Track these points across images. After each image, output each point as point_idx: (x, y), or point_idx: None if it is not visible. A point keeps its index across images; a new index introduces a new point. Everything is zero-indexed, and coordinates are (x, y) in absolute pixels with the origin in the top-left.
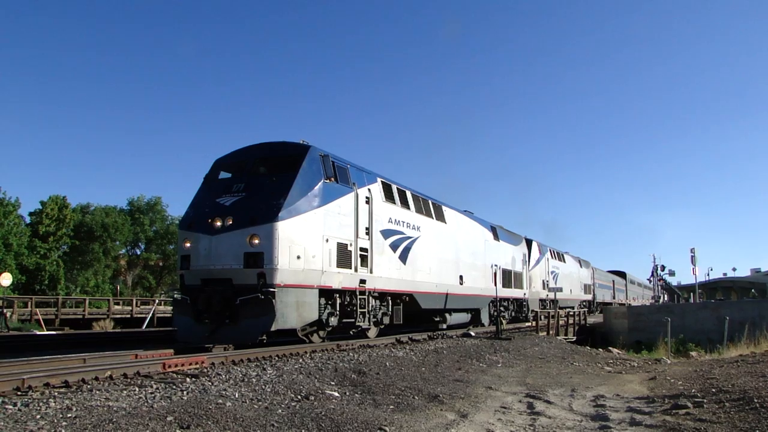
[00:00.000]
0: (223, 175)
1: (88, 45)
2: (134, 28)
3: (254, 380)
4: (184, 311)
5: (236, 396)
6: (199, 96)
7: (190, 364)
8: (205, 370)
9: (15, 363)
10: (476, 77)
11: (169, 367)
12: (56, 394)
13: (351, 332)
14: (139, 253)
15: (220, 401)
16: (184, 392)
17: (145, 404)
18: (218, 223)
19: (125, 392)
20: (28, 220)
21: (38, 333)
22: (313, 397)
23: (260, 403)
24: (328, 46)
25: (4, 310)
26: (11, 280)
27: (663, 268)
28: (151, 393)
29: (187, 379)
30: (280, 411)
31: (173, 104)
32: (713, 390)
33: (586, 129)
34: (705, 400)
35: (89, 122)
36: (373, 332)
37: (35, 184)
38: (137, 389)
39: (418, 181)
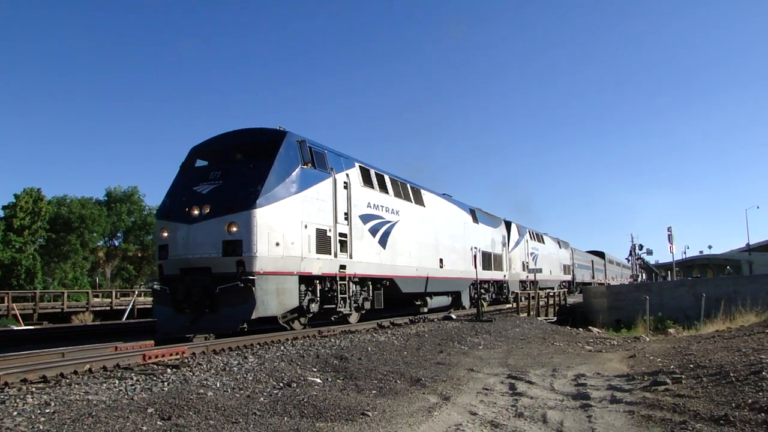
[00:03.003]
0: (200, 162)
1: (61, 33)
2: (107, 14)
3: (236, 369)
4: (164, 301)
5: (218, 385)
6: (173, 83)
7: (171, 355)
8: (186, 361)
9: None
10: (452, 61)
11: (150, 358)
12: (34, 389)
13: (332, 318)
14: (117, 244)
15: (201, 391)
16: (165, 383)
17: (126, 397)
18: (195, 212)
19: (105, 385)
20: (1, 213)
21: (15, 328)
22: (295, 384)
23: (242, 391)
24: (307, 31)
25: None
26: None
27: (641, 247)
28: (132, 385)
29: (168, 370)
30: (262, 399)
31: (147, 92)
32: (691, 366)
33: (563, 110)
34: (683, 376)
35: (64, 113)
36: (354, 318)
37: (8, 178)
38: (117, 382)
39: (396, 166)
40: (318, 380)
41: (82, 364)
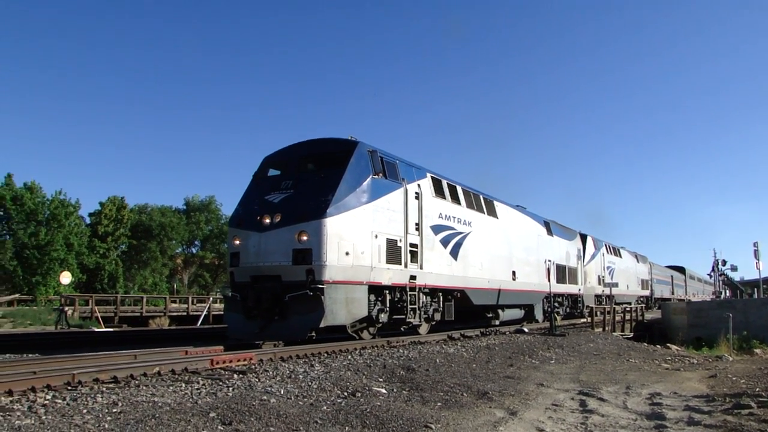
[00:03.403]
0: (272, 172)
1: (139, 42)
2: (189, 24)
3: (301, 377)
4: (235, 308)
5: (281, 392)
6: (251, 94)
7: (238, 361)
8: (253, 367)
9: (68, 359)
10: (530, 72)
11: (217, 363)
12: (104, 389)
13: (402, 329)
14: (194, 251)
15: (265, 398)
16: (230, 388)
17: (190, 400)
18: (267, 220)
19: (171, 388)
20: (88, 220)
21: (96, 330)
22: (359, 394)
23: (305, 399)
24: (374, 44)
25: (65, 308)
26: (71, 278)
27: (724, 262)
28: (197, 389)
29: (234, 376)
30: (325, 407)
31: (227, 102)
32: None
33: (644, 122)
34: None
35: (147, 123)
36: (424, 329)
37: (95, 186)
38: (184, 385)
39: (469, 178)
40: (383, 390)
41: (151, 366)
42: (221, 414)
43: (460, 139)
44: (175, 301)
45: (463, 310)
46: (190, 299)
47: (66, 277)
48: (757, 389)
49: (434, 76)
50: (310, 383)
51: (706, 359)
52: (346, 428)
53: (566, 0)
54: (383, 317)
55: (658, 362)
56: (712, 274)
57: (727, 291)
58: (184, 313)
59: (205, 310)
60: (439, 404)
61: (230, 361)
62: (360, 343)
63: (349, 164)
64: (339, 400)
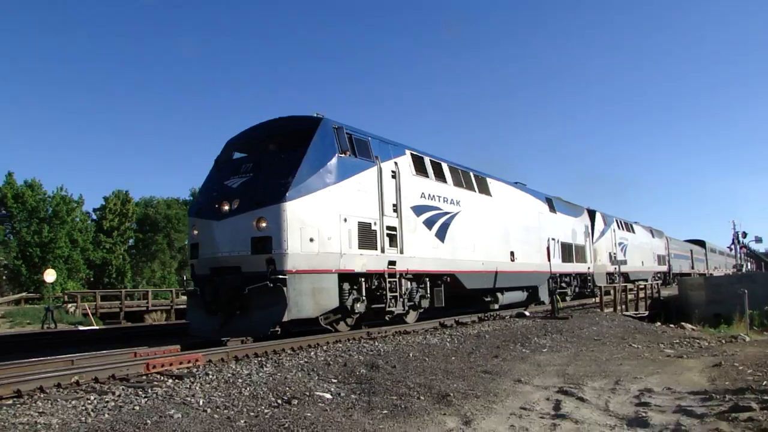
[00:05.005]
0: (237, 155)
1: (142, 31)
2: (191, 12)
3: (240, 381)
4: (196, 303)
5: (200, 404)
6: (253, 81)
7: (180, 363)
8: (195, 371)
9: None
10: (533, 46)
11: (153, 367)
12: None
13: (386, 318)
14: None
15: (172, 412)
16: (147, 399)
17: (81, 419)
18: (225, 207)
19: (73, 403)
20: (94, 216)
21: (81, 328)
22: (296, 401)
23: (225, 411)
24: (373, 21)
25: (51, 308)
26: (55, 276)
27: (745, 234)
28: (104, 403)
29: (168, 382)
30: (242, 422)
31: (224, 89)
32: None
33: (655, 92)
34: None
35: (150, 115)
36: (411, 317)
37: (98, 181)
38: (92, 398)
39: (470, 159)
40: (328, 395)
41: (69, 375)
42: None
43: (460, 119)
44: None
45: (459, 295)
46: None
47: (50, 275)
48: (765, 383)
49: (430, 59)
50: (243, 389)
51: (718, 341)
52: None
53: None
54: (359, 307)
55: (662, 346)
56: (733, 246)
57: (750, 263)
58: None
59: None
60: (384, 412)
61: (170, 365)
62: (335, 336)
63: (311, 143)
64: (266, 411)
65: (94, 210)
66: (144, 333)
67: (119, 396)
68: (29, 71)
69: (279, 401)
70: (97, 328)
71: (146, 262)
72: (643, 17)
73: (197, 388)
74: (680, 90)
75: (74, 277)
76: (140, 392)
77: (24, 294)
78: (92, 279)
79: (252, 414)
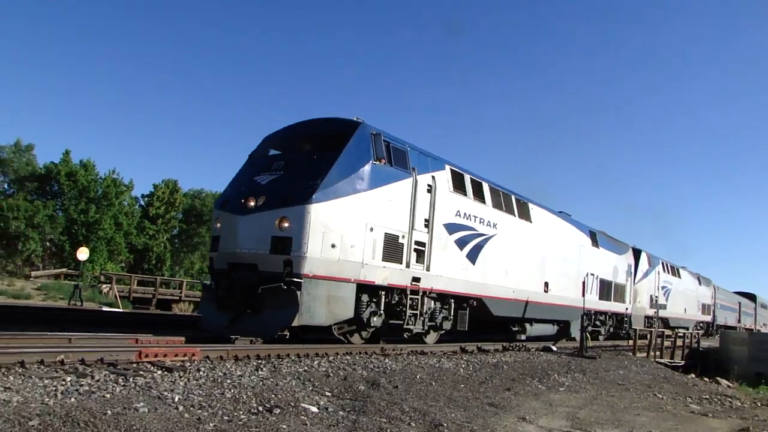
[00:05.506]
0: (273, 152)
1: (201, 19)
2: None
3: (229, 381)
4: (209, 297)
5: (175, 400)
6: (302, 80)
7: (175, 356)
8: (187, 365)
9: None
10: (590, 79)
11: (146, 356)
12: None
13: (405, 335)
14: None
15: (140, 405)
16: (122, 388)
17: (46, 399)
18: (251, 203)
19: (45, 382)
20: (141, 202)
21: (104, 309)
22: (278, 410)
23: (200, 411)
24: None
25: (80, 285)
26: (87, 254)
27: None
28: (78, 386)
29: (157, 372)
30: (210, 426)
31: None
32: None
33: (715, 137)
34: None
35: (204, 112)
36: (431, 338)
37: (151, 170)
38: (68, 380)
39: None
40: (314, 409)
41: (55, 353)
42: (47, 423)
43: (508, 141)
44: None
45: (487, 322)
46: None
47: (83, 253)
48: None
49: (495, 75)
50: (226, 391)
51: (753, 402)
52: None
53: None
54: (376, 321)
55: (689, 401)
56: None
57: None
58: None
59: None
60: None
61: (164, 356)
62: (346, 347)
63: (346, 146)
64: (242, 416)
65: (143, 196)
66: (162, 321)
67: (97, 381)
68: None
69: (260, 408)
70: (121, 310)
71: (187, 253)
72: (725, 49)
73: (181, 383)
74: (746, 134)
75: (114, 259)
76: (120, 380)
77: (64, 270)
78: (132, 263)
79: (226, 418)
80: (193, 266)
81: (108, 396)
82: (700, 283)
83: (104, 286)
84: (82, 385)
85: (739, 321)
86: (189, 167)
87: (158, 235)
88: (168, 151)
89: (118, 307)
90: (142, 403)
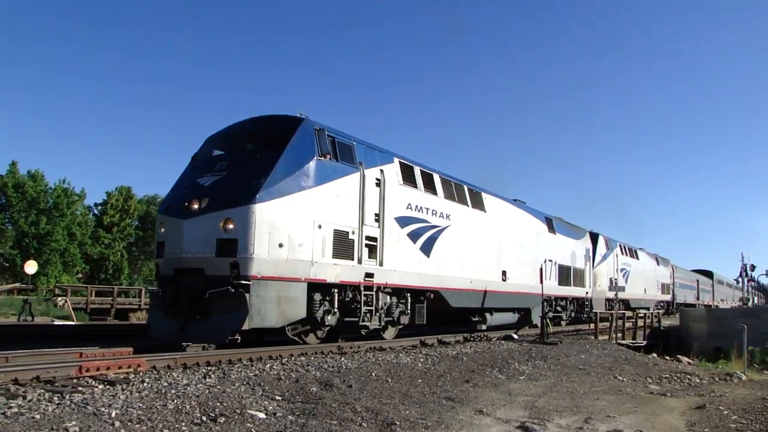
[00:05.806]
0: (216, 153)
1: (149, 25)
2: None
3: (173, 391)
4: (157, 305)
5: (112, 416)
6: (263, 80)
7: (119, 368)
8: (131, 377)
9: None
10: (545, 65)
11: (87, 370)
12: None
13: (362, 332)
14: None
15: (72, 424)
16: (56, 407)
17: None
18: (195, 206)
19: None
20: (95, 211)
21: (56, 323)
22: (223, 419)
23: (138, 425)
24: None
25: (29, 300)
26: (36, 267)
27: (753, 267)
28: (7, 408)
29: (99, 387)
30: None
31: (240, 89)
32: None
33: (668, 121)
34: None
35: (156, 116)
36: (389, 333)
37: (104, 178)
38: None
39: (472, 173)
40: (261, 415)
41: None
42: None
43: (465, 135)
44: None
45: (447, 314)
46: None
47: (31, 267)
48: None
49: (436, 74)
50: (168, 402)
51: (712, 378)
52: None
53: None
54: (331, 319)
55: (648, 382)
56: (740, 279)
57: (756, 298)
58: None
59: None
60: None
61: (107, 368)
62: (300, 348)
63: (290, 144)
64: (184, 428)
65: (96, 205)
66: (116, 332)
67: (29, 401)
68: (46, 61)
69: (204, 418)
70: (74, 323)
71: (145, 260)
72: (668, 35)
73: (122, 396)
74: (699, 117)
75: (70, 270)
76: (56, 398)
77: (17, 284)
78: (89, 273)
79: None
80: (152, 273)
81: (38, 417)
82: (658, 264)
83: (59, 299)
84: (11, 407)
85: (698, 298)
86: (143, 173)
87: (114, 244)
88: (120, 158)
89: (73, 320)
90: (74, 422)
